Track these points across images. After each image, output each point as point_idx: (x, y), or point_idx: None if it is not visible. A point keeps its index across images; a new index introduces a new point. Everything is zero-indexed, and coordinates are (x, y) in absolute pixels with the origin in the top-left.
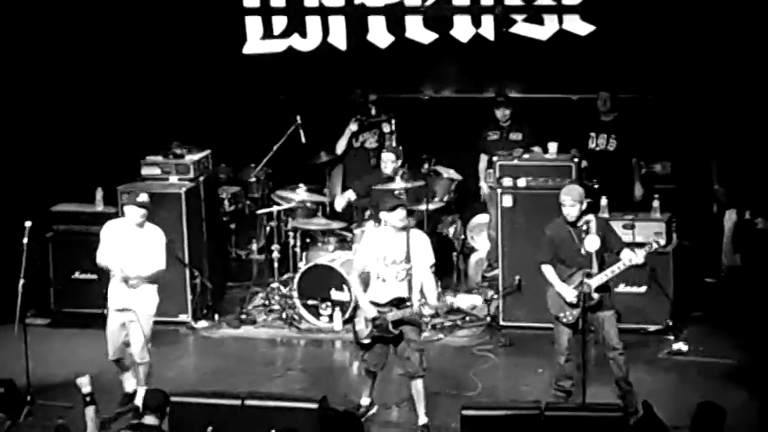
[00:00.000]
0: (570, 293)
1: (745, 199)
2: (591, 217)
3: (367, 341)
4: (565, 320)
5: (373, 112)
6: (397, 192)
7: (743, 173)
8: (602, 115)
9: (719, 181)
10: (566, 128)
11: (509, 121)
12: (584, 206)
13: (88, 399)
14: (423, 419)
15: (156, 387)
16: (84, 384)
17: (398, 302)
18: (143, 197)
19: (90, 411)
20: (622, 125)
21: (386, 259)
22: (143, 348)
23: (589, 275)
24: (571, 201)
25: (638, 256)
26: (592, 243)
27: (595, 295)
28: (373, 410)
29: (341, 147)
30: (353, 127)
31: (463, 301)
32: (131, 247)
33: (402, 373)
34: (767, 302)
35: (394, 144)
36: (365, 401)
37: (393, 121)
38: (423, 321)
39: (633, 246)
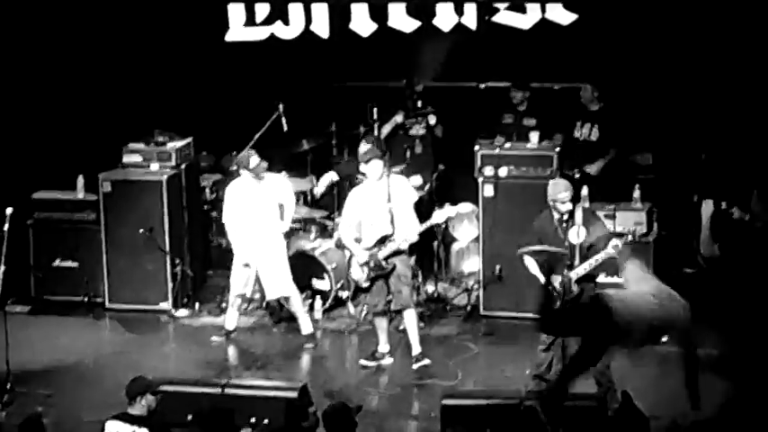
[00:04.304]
0: (555, 282)
1: (722, 190)
2: (578, 208)
3: (366, 284)
4: None
5: (419, 103)
6: None
7: (719, 164)
8: (589, 105)
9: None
10: (551, 116)
11: (524, 105)
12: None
13: None
14: (416, 349)
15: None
16: None
17: (383, 239)
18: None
19: None
20: (607, 116)
21: (371, 205)
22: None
23: (570, 267)
24: (568, 196)
25: (611, 248)
26: (576, 235)
27: (575, 287)
28: (390, 360)
29: (384, 132)
30: (399, 119)
31: (439, 216)
32: (260, 203)
33: (394, 308)
34: (746, 292)
35: (440, 134)
36: (383, 348)
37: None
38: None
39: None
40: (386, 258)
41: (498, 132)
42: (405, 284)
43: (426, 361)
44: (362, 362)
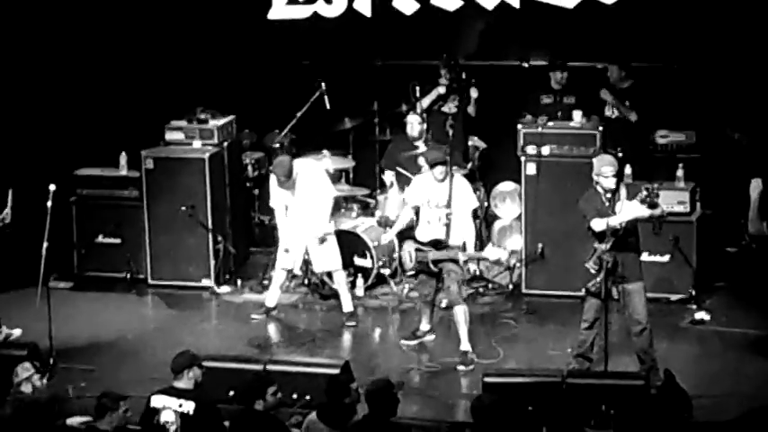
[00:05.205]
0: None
1: None
2: (622, 186)
3: (411, 272)
4: (593, 289)
5: (463, 75)
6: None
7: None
8: (618, 84)
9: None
10: (588, 95)
11: (562, 85)
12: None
13: None
14: (464, 346)
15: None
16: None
17: (436, 244)
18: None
19: None
20: (639, 93)
21: (430, 203)
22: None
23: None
24: (612, 171)
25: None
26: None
27: (609, 258)
28: (431, 337)
29: (425, 104)
30: (441, 90)
31: (492, 253)
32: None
33: (444, 306)
34: None
35: (473, 113)
36: (425, 327)
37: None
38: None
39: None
40: (435, 262)
41: (537, 114)
42: (454, 280)
43: (471, 367)
44: (403, 342)
